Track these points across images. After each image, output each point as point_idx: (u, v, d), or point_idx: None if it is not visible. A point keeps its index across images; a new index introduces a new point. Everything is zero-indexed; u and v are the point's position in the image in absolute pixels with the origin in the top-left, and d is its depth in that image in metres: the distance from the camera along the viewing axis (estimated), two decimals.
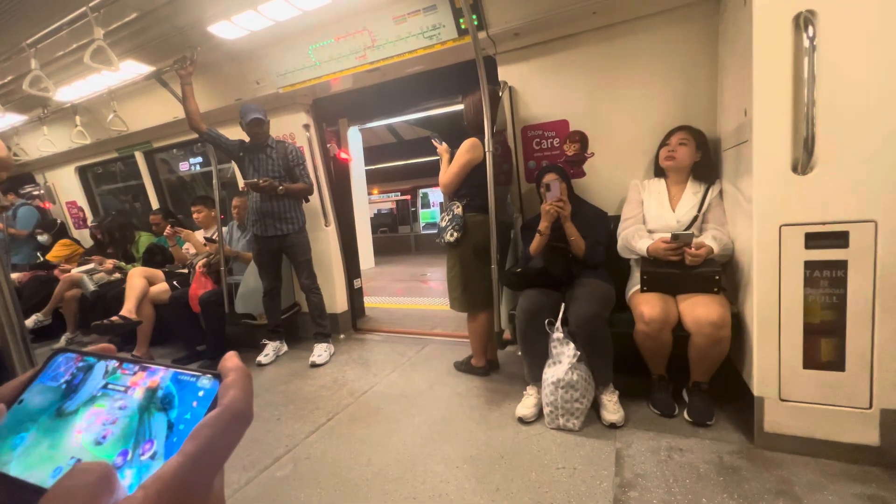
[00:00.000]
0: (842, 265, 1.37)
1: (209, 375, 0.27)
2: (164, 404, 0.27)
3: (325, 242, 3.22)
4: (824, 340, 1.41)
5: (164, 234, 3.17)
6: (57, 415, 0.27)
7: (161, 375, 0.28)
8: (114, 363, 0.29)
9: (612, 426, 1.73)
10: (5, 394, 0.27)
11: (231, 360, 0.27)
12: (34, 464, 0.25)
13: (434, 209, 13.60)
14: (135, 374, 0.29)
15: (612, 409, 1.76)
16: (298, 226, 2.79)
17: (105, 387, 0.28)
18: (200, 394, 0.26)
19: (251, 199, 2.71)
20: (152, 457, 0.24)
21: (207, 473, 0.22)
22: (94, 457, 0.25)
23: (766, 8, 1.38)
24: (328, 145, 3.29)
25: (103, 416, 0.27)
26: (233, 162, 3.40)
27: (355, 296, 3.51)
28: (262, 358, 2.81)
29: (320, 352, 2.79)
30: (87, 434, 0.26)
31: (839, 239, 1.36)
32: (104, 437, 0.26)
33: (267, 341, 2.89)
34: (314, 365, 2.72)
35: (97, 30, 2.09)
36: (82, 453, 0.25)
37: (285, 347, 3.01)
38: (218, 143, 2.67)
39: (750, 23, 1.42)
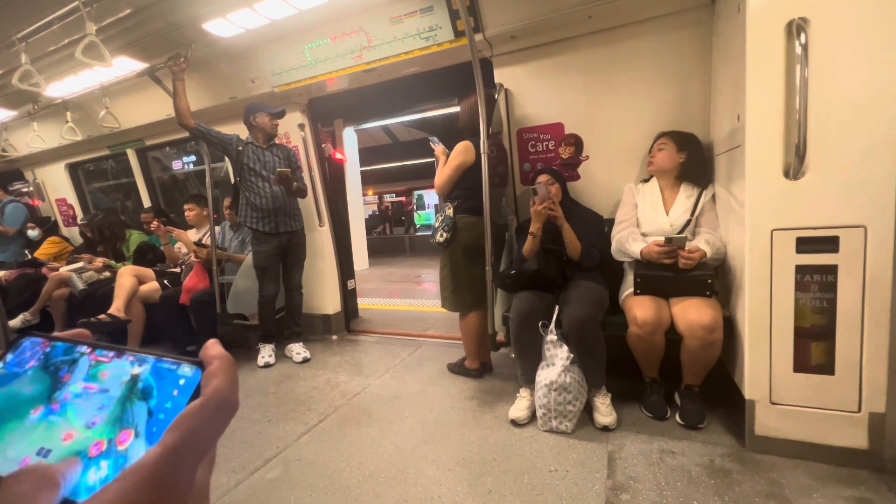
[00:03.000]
0: (832, 270, 1.38)
1: (190, 363, 0.26)
2: (143, 393, 0.25)
3: (318, 243, 3.20)
4: (814, 344, 1.43)
5: (152, 228, 3.10)
6: (22, 403, 0.25)
7: (140, 362, 0.26)
8: (85, 349, 0.27)
9: (605, 429, 1.73)
10: None
11: (213, 347, 0.26)
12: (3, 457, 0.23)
13: (429, 210, 13.60)
14: (111, 360, 0.27)
15: (604, 411, 1.76)
16: (303, 224, 2.91)
17: (77, 375, 0.26)
18: (181, 382, 0.25)
19: (262, 196, 2.66)
20: (129, 447, 0.23)
21: (190, 464, 0.21)
22: (84, 440, 0.24)
23: (759, 15, 1.39)
24: (323, 145, 3.28)
25: (82, 405, 0.25)
26: (226, 159, 3.38)
27: (349, 297, 3.49)
28: (264, 360, 2.78)
29: (299, 349, 2.82)
30: (72, 421, 0.24)
31: (829, 244, 1.38)
32: (93, 423, 0.24)
33: (263, 344, 2.87)
34: (305, 360, 2.76)
35: (89, 25, 2.06)
36: (54, 441, 0.24)
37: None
38: (208, 138, 2.64)
39: (743, 29, 1.43)
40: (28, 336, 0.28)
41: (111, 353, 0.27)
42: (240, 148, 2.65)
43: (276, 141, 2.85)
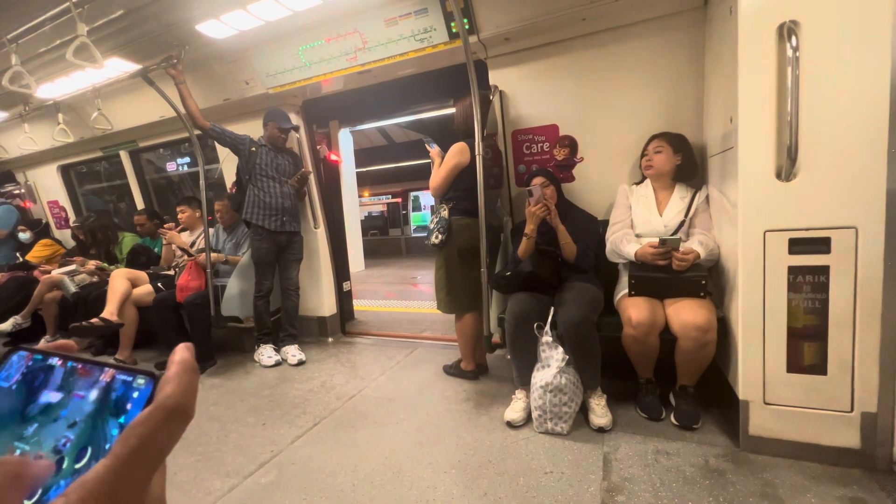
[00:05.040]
0: (824, 270, 1.39)
1: (144, 374, 0.26)
2: (116, 408, 0.25)
3: (314, 244, 3.19)
4: (807, 344, 1.44)
5: (159, 232, 3.13)
6: (7, 419, 0.25)
7: (103, 376, 0.27)
8: (58, 361, 0.28)
9: (600, 430, 1.73)
10: None
11: (179, 352, 0.25)
12: None
13: (425, 212, 13.59)
14: (79, 375, 0.27)
15: (600, 412, 1.76)
16: (302, 225, 3.00)
17: (49, 390, 0.26)
18: (135, 395, 0.25)
19: (272, 195, 2.75)
20: (84, 465, 0.23)
21: (141, 476, 0.21)
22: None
23: (750, 18, 1.40)
24: (318, 147, 3.27)
25: (53, 426, 0.25)
26: (220, 163, 3.38)
27: (344, 299, 3.48)
28: (273, 359, 2.77)
29: (294, 352, 2.82)
30: (43, 443, 0.24)
31: (821, 245, 1.39)
32: (64, 445, 0.24)
33: (263, 345, 2.85)
34: (301, 363, 2.76)
35: (81, 26, 2.04)
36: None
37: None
38: (223, 138, 2.74)
39: (735, 32, 1.44)
40: (17, 350, 0.29)
41: (78, 366, 0.27)
42: (253, 149, 2.75)
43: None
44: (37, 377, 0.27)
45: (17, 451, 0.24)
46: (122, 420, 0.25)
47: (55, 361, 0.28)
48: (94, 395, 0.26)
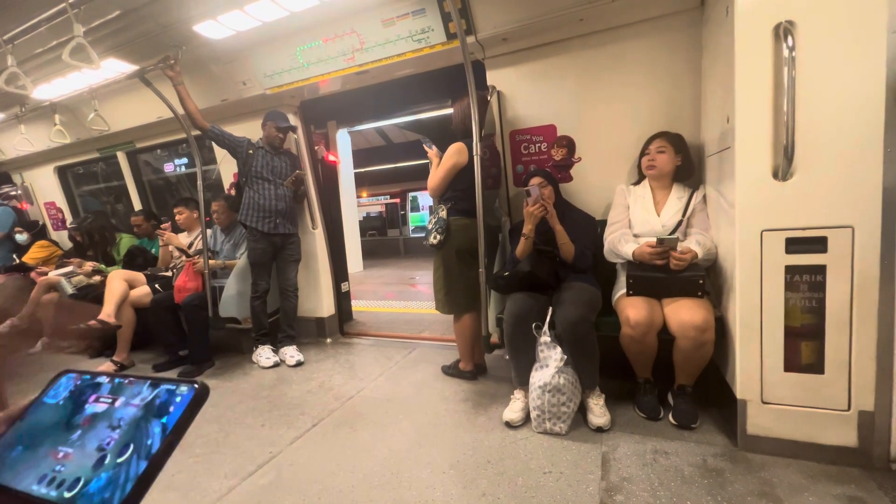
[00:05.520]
0: (821, 270, 1.40)
1: (187, 383, 0.32)
2: (160, 411, 0.30)
3: (312, 245, 3.18)
4: (804, 344, 1.44)
5: (157, 233, 3.13)
6: (50, 429, 0.31)
7: (153, 386, 0.33)
8: (105, 379, 0.34)
9: (599, 430, 1.73)
10: (14, 412, 0.32)
11: None
12: (21, 472, 0.29)
13: (424, 213, 13.58)
14: (126, 387, 0.33)
15: (598, 412, 1.76)
16: (297, 227, 3.00)
17: (95, 402, 0.32)
18: (178, 399, 0.31)
19: (266, 198, 2.76)
20: (126, 459, 0.28)
21: None
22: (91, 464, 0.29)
23: (747, 18, 1.41)
24: (316, 147, 3.27)
25: (97, 429, 0.30)
26: (217, 164, 3.37)
27: (343, 299, 3.48)
28: (271, 360, 2.76)
29: (292, 352, 2.82)
30: (87, 444, 0.30)
31: (818, 244, 1.39)
32: (108, 444, 0.30)
33: (261, 346, 2.84)
34: (299, 364, 2.76)
35: (77, 26, 2.04)
36: (73, 464, 0.29)
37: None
38: (221, 139, 2.75)
39: (732, 33, 1.44)
40: (66, 373, 0.36)
41: (127, 380, 0.33)
42: (250, 151, 2.76)
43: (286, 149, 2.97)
44: (84, 393, 0.33)
45: (61, 453, 0.30)
46: (164, 420, 0.30)
47: (103, 380, 0.34)
48: (138, 401, 0.31)
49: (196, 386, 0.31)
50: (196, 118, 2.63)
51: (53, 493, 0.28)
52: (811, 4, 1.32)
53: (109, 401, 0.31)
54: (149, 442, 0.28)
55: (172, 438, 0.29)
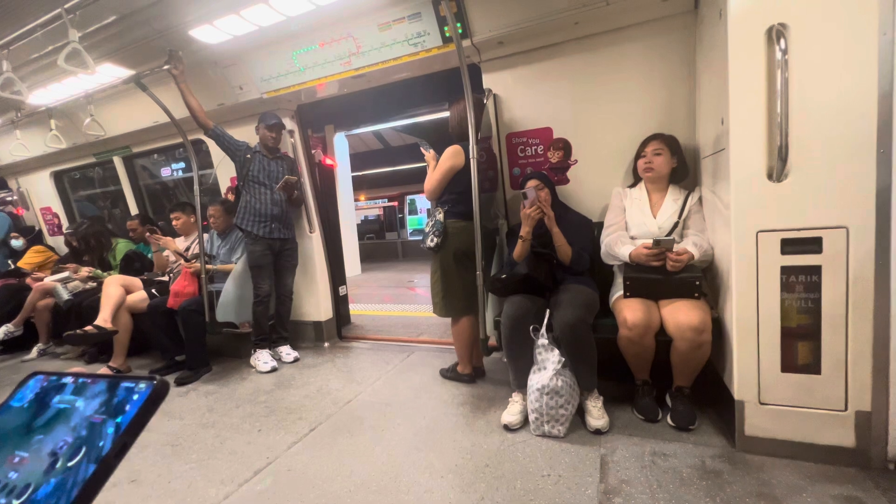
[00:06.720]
0: (816, 270, 1.40)
1: (145, 380, 0.31)
2: (115, 411, 0.29)
3: (309, 249, 3.18)
4: (801, 344, 1.44)
5: (147, 236, 3.11)
6: (12, 434, 0.30)
7: (111, 385, 0.31)
8: (70, 380, 0.32)
9: (597, 432, 1.73)
10: None
11: None
12: None
13: (422, 216, 13.60)
14: (86, 387, 0.32)
15: (596, 414, 1.76)
16: (294, 232, 3.03)
17: (59, 404, 0.31)
18: (135, 397, 0.30)
19: (262, 202, 2.78)
20: (77, 462, 0.27)
21: None
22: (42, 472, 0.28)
23: (740, 21, 1.42)
24: (313, 151, 3.27)
25: (54, 432, 0.29)
26: (214, 168, 3.37)
27: (340, 303, 3.47)
28: (269, 365, 2.75)
29: (288, 350, 2.90)
30: (43, 448, 0.29)
31: (813, 245, 1.40)
32: (61, 448, 0.28)
33: (259, 350, 2.83)
34: (296, 360, 2.86)
35: (72, 32, 2.03)
36: (27, 469, 0.28)
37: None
38: (222, 140, 2.76)
39: (725, 35, 1.46)
40: (36, 375, 0.35)
41: (90, 380, 0.32)
42: (248, 156, 2.78)
43: (284, 152, 2.99)
44: (48, 394, 0.32)
45: (17, 458, 0.29)
46: (119, 420, 0.29)
47: (68, 380, 0.33)
48: (96, 402, 0.30)
49: (154, 382, 0.30)
50: (199, 115, 2.63)
51: (2, 502, 0.27)
52: (803, 7, 1.34)
53: (70, 402, 0.30)
54: (101, 443, 0.27)
55: (126, 439, 0.28)
